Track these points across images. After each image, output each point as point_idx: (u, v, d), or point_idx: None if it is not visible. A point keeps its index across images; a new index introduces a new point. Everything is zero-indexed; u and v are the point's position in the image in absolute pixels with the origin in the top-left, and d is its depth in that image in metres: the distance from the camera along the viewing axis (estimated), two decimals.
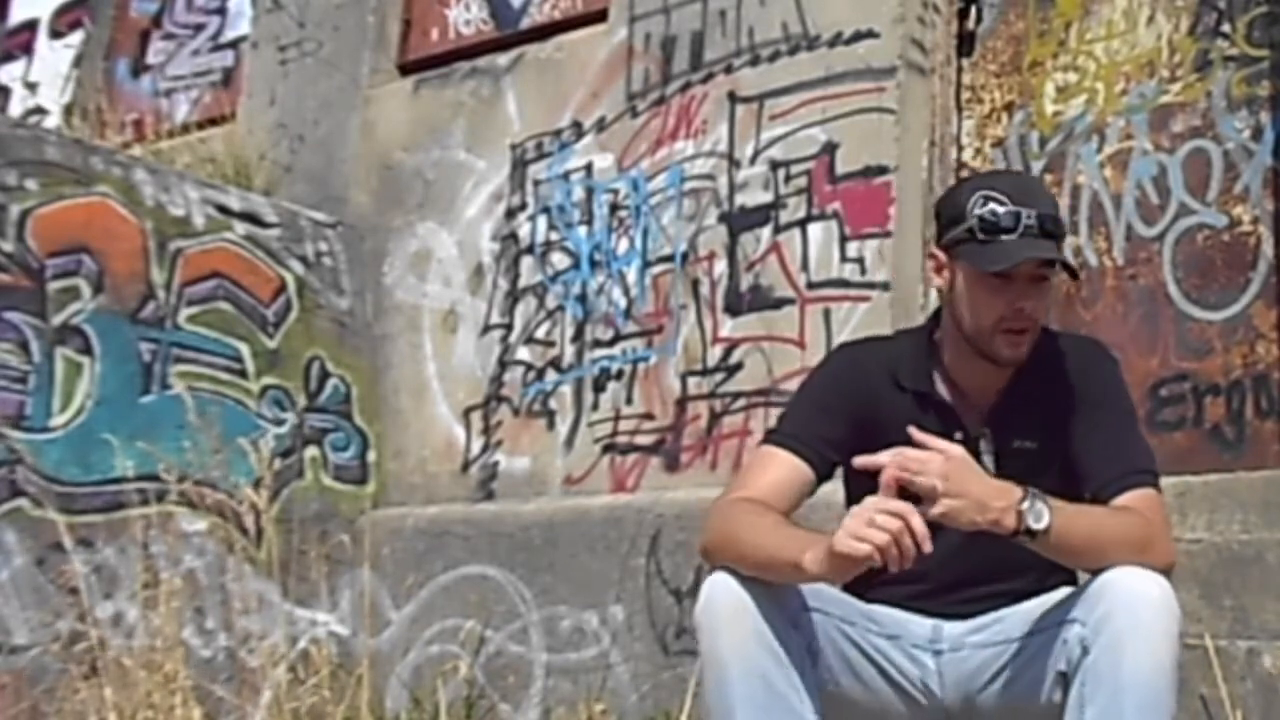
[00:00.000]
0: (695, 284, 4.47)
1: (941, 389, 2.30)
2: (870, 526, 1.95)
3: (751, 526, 2.12)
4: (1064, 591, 2.18)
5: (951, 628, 2.23)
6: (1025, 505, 2.01)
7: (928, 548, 1.94)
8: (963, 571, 2.20)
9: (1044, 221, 2.19)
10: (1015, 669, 2.15)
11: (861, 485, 2.35)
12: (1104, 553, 2.05)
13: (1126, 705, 1.94)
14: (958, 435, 2.27)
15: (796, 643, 2.08)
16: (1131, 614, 1.96)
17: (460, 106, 5.23)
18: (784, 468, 2.25)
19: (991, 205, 2.20)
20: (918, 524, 1.94)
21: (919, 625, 2.24)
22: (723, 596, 2.08)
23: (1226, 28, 3.81)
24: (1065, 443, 2.25)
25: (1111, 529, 2.08)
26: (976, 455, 2.25)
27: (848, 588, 2.24)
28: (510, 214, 5.00)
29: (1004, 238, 2.18)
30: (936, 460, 2.01)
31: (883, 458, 2.04)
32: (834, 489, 2.39)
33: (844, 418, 2.29)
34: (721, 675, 2.06)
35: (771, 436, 2.32)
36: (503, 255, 4.98)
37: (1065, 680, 2.04)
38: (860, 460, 2.07)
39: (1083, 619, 2.02)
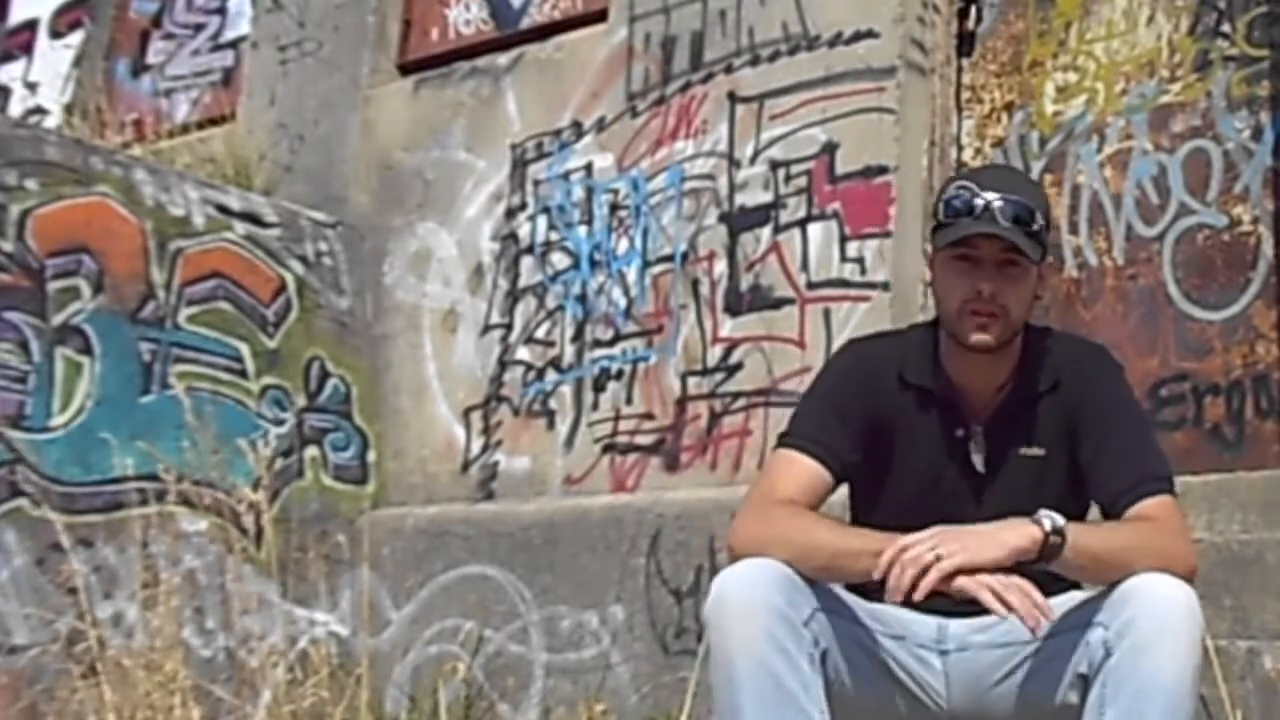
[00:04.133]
0: (695, 284, 4.47)
1: (944, 385, 2.30)
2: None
3: (797, 522, 2.15)
4: (1075, 595, 2.17)
5: (956, 626, 2.23)
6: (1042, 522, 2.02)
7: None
8: None
9: (1005, 207, 2.19)
10: (1029, 670, 2.14)
11: (867, 492, 2.36)
12: (1125, 566, 2.04)
13: (1148, 708, 1.94)
14: (959, 432, 2.27)
15: (805, 641, 2.08)
16: (1157, 619, 1.96)
17: (460, 106, 5.23)
18: (805, 472, 2.26)
19: (959, 191, 2.23)
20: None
21: (923, 625, 2.23)
22: (733, 594, 2.08)
23: (1226, 28, 3.81)
24: (1074, 451, 2.25)
25: (1129, 541, 2.08)
26: (969, 454, 2.26)
27: (854, 588, 2.24)
28: (510, 214, 5.00)
29: (962, 219, 2.20)
30: (921, 544, 2.02)
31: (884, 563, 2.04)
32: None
33: (854, 418, 2.29)
34: (730, 672, 2.05)
35: (787, 440, 2.32)
36: (503, 255, 4.98)
37: (1085, 682, 2.03)
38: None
39: (1106, 622, 2.01)
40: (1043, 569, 2.04)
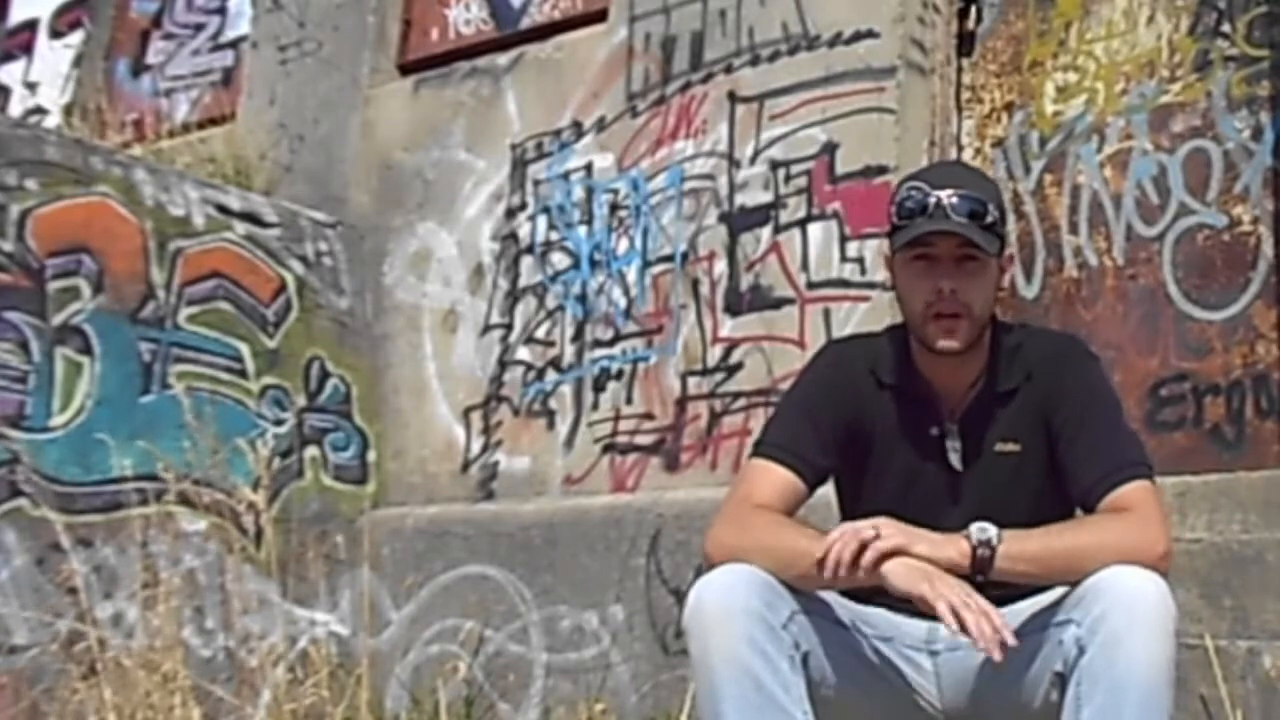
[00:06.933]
0: (695, 284, 4.47)
1: (917, 384, 2.31)
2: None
3: (776, 530, 2.16)
4: (1058, 592, 2.17)
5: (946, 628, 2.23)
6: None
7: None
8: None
9: (959, 203, 2.19)
10: (1013, 670, 2.14)
11: (850, 493, 2.36)
12: (1076, 569, 2.04)
13: (1124, 704, 1.94)
14: (934, 430, 2.28)
15: (785, 643, 2.08)
16: (1127, 613, 1.96)
17: (460, 106, 5.23)
18: (778, 482, 2.26)
19: (910, 191, 2.23)
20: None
21: (914, 626, 2.24)
22: (711, 600, 2.08)
23: (1226, 28, 3.81)
24: (1050, 444, 2.25)
25: (1079, 542, 2.07)
26: (945, 452, 2.26)
27: (845, 592, 2.24)
28: (510, 214, 5.00)
29: (917, 219, 2.20)
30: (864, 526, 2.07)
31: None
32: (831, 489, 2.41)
33: (830, 422, 2.30)
34: (711, 677, 2.06)
35: (762, 448, 2.32)
36: (503, 255, 4.98)
37: (1062, 681, 2.04)
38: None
39: (1078, 619, 2.01)
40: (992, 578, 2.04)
